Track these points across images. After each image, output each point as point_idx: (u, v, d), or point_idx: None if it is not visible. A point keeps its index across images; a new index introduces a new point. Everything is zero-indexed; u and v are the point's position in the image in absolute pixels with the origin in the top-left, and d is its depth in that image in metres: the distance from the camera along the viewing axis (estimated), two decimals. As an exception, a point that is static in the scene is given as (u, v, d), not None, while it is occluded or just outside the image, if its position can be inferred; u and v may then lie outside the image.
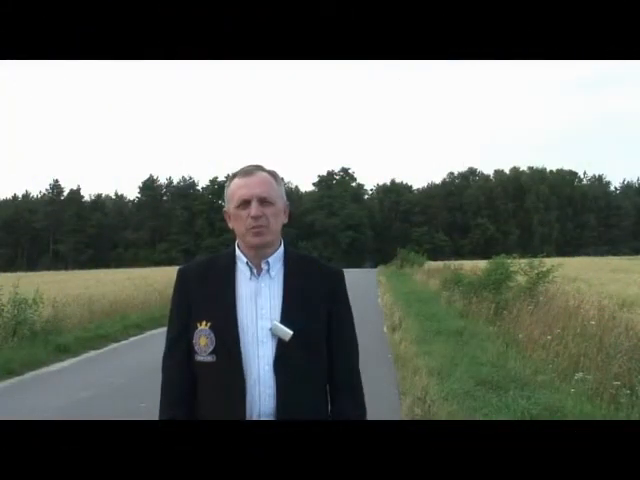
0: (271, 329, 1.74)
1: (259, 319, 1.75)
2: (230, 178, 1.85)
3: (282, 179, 1.90)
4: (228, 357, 1.73)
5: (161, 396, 1.85)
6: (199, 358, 1.76)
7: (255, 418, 1.72)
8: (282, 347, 1.73)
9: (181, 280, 1.87)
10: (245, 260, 1.80)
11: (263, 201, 1.76)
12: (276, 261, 1.82)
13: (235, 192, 1.79)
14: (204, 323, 1.76)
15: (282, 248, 1.85)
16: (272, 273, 1.80)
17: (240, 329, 1.74)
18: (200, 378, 1.79)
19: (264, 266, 1.80)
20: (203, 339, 1.75)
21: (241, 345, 1.73)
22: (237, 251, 1.84)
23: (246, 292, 1.78)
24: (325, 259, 2.08)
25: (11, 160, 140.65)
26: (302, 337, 1.73)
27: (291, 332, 1.71)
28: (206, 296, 1.79)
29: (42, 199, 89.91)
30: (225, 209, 1.86)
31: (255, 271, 1.80)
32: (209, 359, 1.75)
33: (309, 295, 1.80)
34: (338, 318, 1.85)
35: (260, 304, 1.77)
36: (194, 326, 1.77)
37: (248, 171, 1.80)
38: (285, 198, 1.86)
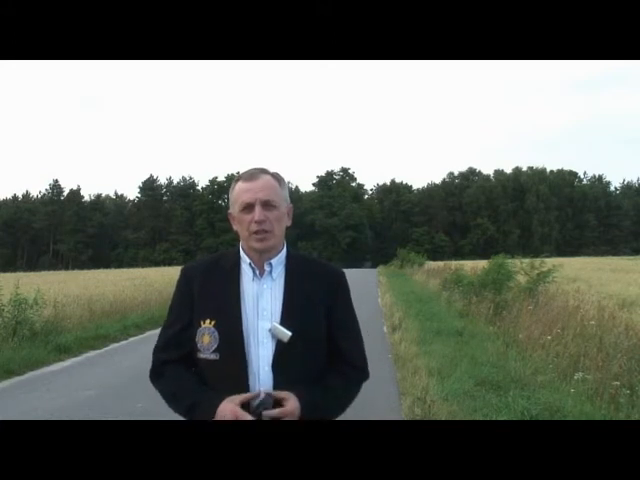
0: (270, 330, 1.75)
1: (260, 320, 1.77)
2: (234, 181, 1.86)
3: (285, 181, 1.90)
4: (231, 356, 1.74)
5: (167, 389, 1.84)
6: (202, 356, 1.78)
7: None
8: (281, 348, 1.74)
9: (185, 278, 1.88)
10: (248, 261, 1.83)
11: (266, 205, 1.77)
12: (278, 263, 1.84)
13: (239, 196, 1.80)
14: (208, 321, 1.77)
15: (285, 250, 1.87)
16: (274, 275, 1.83)
17: (243, 329, 1.75)
18: (201, 376, 1.81)
19: (266, 268, 1.82)
20: (206, 337, 1.77)
21: (244, 345, 1.74)
22: (241, 252, 1.86)
23: (248, 293, 1.80)
24: (325, 259, 2.09)
25: (11, 160, 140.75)
26: (301, 338, 1.74)
27: (289, 333, 1.73)
28: (210, 295, 1.81)
29: (42, 199, 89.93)
30: (229, 211, 1.88)
31: (258, 272, 1.82)
32: (212, 357, 1.76)
33: (310, 296, 1.82)
34: (339, 314, 1.87)
35: (262, 305, 1.79)
36: (197, 324, 1.79)
37: (252, 175, 1.81)
38: (289, 200, 1.88)
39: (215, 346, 1.76)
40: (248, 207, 1.77)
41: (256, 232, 1.77)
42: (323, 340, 1.83)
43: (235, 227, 1.85)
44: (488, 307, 11.65)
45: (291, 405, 1.68)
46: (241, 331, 1.75)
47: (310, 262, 1.92)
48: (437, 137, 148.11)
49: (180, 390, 1.80)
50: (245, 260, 1.84)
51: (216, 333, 1.76)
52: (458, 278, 15.76)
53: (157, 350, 1.89)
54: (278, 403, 1.70)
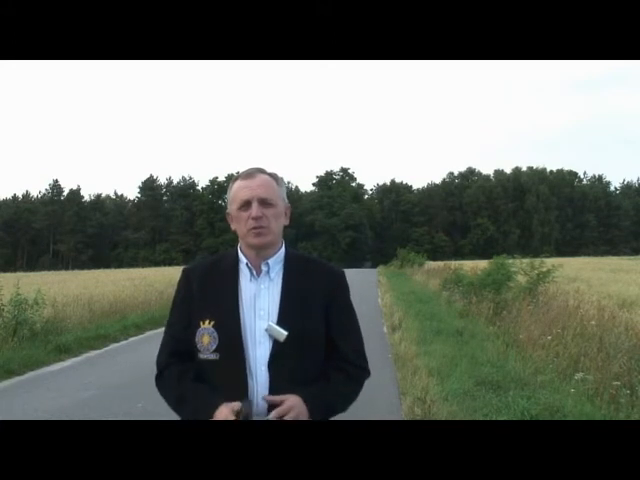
0: (266, 330, 1.75)
1: (257, 320, 1.78)
2: (232, 180, 1.89)
3: (283, 180, 1.92)
4: (230, 356, 1.75)
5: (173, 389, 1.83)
6: (202, 356, 1.79)
7: (252, 417, 1.72)
8: (277, 348, 1.75)
9: (185, 279, 1.90)
10: (245, 261, 1.84)
11: (264, 202, 1.79)
12: (276, 263, 1.85)
13: (237, 194, 1.83)
14: (207, 322, 1.78)
15: (283, 250, 1.88)
16: (272, 275, 1.83)
17: (241, 329, 1.76)
18: (202, 376, 1.81)
19: (264, 268, 1.83)
20: (206, 337, 1.78)
21: (243, 345, 1.75)
22: (239, 252, 1.87)
23: (246, 293, 1.81)
24: (325, 259, 2.10)
25: (11, 160, 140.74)
26: (298, 338, 1.75)
27: (285, 333, 1.73)
28: (209, 295, 1.82)
29: (42, 199, 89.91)
30: (227, 211, 1.89)
31: (255, 272, 1.82)
32: (212, 357, 1.77)
33: (307, 296, 1.82)
34: (338, 314, 1.87)
35: (259, 305, 1.80)
36: (196, 324, 1.79)
37: (249, 173, 1.84)
38: (286, 200, 1.89)
39: (215, 346, 1.76)
40: (246, 204, 1.79)
41: (253, 228, 1.78)
42: (321, 340, 1.83)
43: (233, 226, 1.87)
44: (488, 307, 11.65)
45: (290, 401, 1.69)
46: (240, 331, 1.76)
47: (309, 261, 1.93)
48: (437, 137, 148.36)
49: (181, 396, 1.80)
50: (242, 260, 1.85)
51: (215, 333, 1.77)
52: (458, 278, 15.76)
53: (160, 354, 1.89)
54: (274, 406, 1.70)
